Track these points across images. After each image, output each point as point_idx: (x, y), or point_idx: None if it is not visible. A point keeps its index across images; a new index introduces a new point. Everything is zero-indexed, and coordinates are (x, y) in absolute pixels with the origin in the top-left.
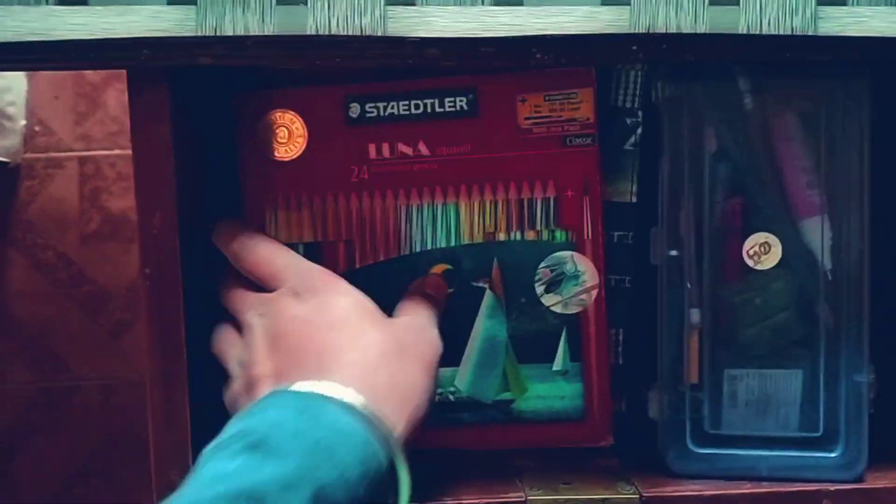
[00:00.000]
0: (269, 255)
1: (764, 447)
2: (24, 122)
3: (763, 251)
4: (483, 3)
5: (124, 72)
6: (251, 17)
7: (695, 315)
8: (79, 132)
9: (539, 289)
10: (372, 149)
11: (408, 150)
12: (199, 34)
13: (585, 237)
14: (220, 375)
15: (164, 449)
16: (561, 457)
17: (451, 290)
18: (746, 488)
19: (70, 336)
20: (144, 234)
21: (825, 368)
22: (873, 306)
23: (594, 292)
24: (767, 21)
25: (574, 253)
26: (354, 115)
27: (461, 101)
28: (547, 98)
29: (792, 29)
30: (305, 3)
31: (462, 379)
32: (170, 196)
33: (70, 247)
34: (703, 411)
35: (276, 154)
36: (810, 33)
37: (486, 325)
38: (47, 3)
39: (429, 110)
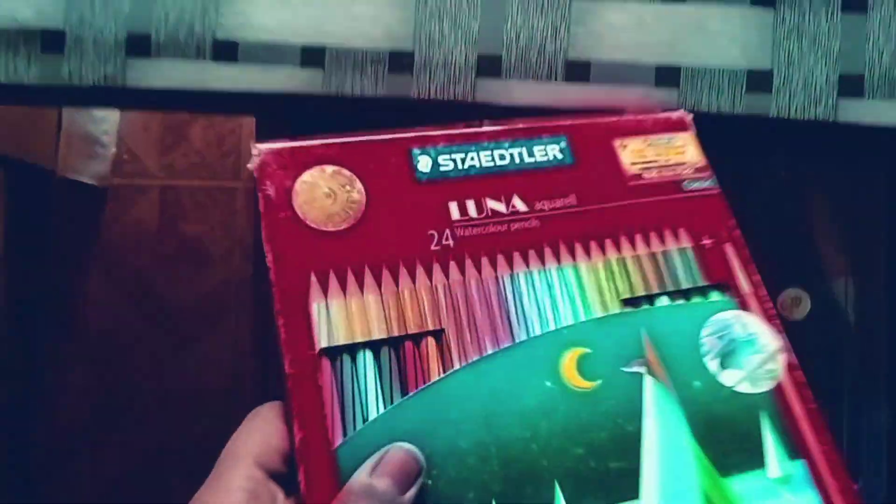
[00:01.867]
0: None
1: None
2: (114, 150)
3: (795, 304)
4: (556, 80)
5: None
6: (367, 81)
7: None
8: (163, 162)
9: (711, 364)
10: (453, 208)
11: (500, 207)
12: (324, 92)
13: (743, 290)
14: None
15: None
16: None
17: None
18: None
19: (135, 347)
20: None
21: (848, 409)
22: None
23: (782, 357)
24: (795, 108)
25: (737, 311)
26: (425, 170)
27: (553, 148)
28: (649, 143)
29: (815, 116)
30: (411, 73)
31: None
32: None
33: (145, 265)
34: None
35: (320, 225)
36: (831, 120)
37: (660, 426)
38: (205, 58)
39: (517, 161)
